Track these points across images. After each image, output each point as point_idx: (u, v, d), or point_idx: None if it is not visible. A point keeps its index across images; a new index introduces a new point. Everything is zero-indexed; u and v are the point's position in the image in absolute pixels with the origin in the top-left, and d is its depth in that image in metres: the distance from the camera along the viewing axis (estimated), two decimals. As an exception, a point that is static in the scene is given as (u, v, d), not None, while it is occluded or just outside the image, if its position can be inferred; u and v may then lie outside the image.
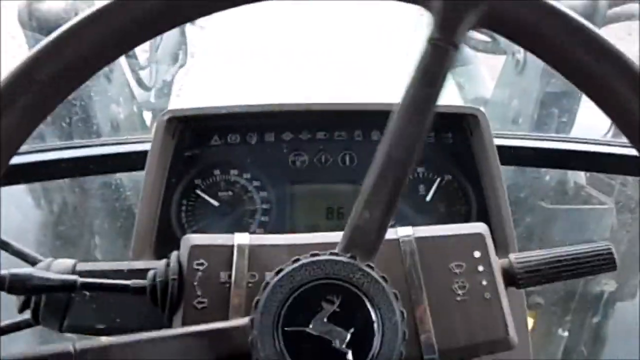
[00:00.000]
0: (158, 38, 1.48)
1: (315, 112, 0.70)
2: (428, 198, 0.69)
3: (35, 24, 0.87)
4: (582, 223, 1.17)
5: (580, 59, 0.34)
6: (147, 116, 1.41)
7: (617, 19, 1.23)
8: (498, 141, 0.68)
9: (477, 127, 0.66)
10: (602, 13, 1.16)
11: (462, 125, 0.69)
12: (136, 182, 0.93)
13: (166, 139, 0.64)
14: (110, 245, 0.97)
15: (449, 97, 1.21)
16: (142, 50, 1.65)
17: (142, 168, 0.65)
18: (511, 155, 0.83)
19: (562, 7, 0.34)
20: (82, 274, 0.43)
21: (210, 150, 0.69)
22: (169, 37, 1.59)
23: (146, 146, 0.70)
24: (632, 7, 1.23)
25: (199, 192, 0.68)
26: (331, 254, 0.36)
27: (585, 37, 0.34)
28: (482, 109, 0.67)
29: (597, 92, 0.35)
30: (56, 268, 0.45)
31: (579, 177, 1.19)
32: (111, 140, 0.89)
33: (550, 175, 1.18)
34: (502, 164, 0.67)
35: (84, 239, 0.98)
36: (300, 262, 0.36)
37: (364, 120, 0.71)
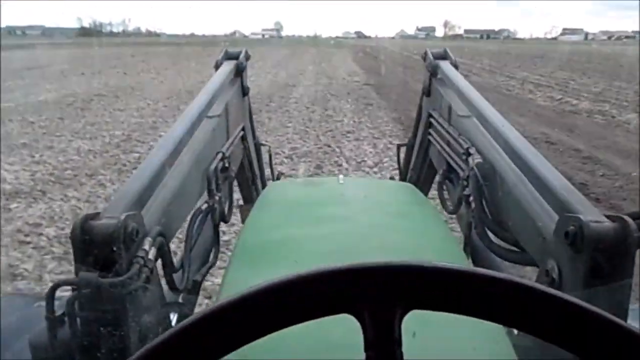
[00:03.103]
0: (194, 237, 1.52)
1: None
2: None
3: (89, 248, 0.88)
4: None
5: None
6: (173, 318, 1.37)
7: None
8: None
9: None
10: (634, 234, 1.16)
11: None
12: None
13: None
14: None
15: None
16: (175, 248, 1.69)
17: None
18: None
19: (452, 266, 0.36)
20: None
21: None
22: (203, 235, 1.63)
23: None
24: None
25: None
26: None
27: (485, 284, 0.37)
28: None
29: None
30: None
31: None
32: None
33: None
34: None
35: None
36: None
37: None
